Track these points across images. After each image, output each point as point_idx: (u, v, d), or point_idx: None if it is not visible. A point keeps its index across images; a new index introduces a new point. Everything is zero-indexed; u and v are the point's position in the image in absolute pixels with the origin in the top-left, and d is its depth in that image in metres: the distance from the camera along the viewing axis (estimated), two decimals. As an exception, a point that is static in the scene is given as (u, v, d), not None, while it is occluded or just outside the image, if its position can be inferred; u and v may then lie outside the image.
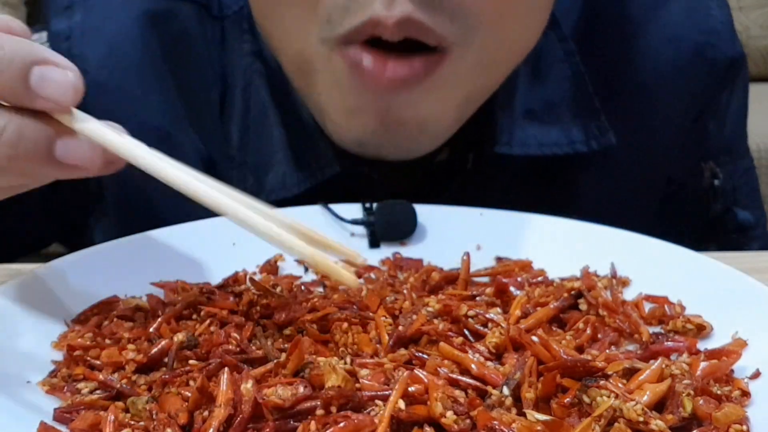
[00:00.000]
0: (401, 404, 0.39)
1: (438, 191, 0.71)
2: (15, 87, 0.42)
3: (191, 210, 0.61)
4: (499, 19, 0.60)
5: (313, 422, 0.38)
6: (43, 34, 0.74)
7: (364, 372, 0.42)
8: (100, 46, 0.72)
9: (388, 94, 0.60)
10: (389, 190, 0.69)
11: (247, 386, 0.40)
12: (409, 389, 0.40)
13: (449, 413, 0.39)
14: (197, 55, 0.73)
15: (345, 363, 0.43)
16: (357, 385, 0.41)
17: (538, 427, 0.38)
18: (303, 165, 0.71)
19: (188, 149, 0.71)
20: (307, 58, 0.62)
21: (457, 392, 0.41)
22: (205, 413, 0.39)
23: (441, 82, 0.61)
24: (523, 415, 0.39)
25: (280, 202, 0.69)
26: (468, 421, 0.39)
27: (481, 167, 0.73)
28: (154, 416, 0.40)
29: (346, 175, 0.70)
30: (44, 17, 0.76)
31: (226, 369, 0.41)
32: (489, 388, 0.41)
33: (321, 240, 0.47)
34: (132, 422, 0.40)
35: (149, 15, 0.72)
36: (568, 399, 0.41)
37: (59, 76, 0.43)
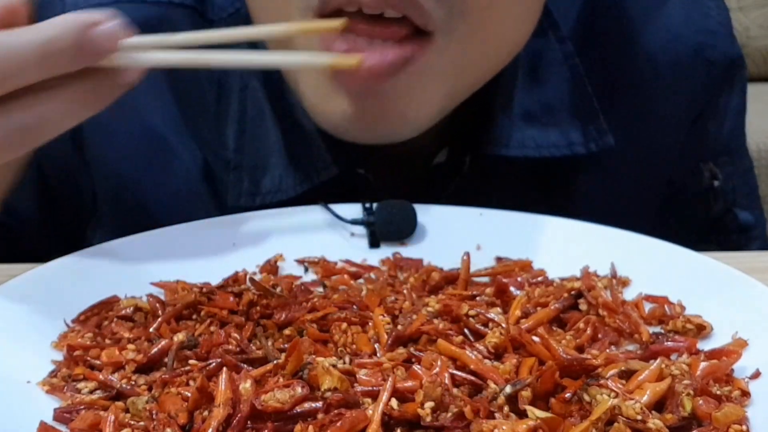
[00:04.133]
0: (394, 403, 0.39)
1: (436, 193, 0.70)
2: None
3: (187, 218, 0.61)
4: (485, 8, 0.59)
5: (311, 426, 0.38)
6: None
7: (363, 372, 0.42)
8: None
9: (366, 84, 0.59)
10: (386, 193, 0.69)
11: (246, 386, 0.40)
12: (406, 385, 0.40)
13: (428, 404, 0.39)
14: None
15: (344, 363, 0.43)
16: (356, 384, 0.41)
17: (523, 427, 0.38)
18: (299, 167, 0.70)
19: (185, 154, 0.71)
20: (290, 38, 0.61)
21: (455, 390, 0.41)
22: (205, 413, 0.39)
23: (421, 73, 0.60)
24: (518, 412, 0.39)
25: (276, 204, 0.68)
26: (448, 415, 0.39)
27: (479, 169, 0.73)
28: (154, 416, 0.40)
29: (343, 177, 0.69)
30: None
31: (225, 369, 0.41)
32: (488, 383, 0.41)
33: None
34: (132, 422, 0.40)
35: (141, 22, 0.72)
36: (568, 393, 0.41)
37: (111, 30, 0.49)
